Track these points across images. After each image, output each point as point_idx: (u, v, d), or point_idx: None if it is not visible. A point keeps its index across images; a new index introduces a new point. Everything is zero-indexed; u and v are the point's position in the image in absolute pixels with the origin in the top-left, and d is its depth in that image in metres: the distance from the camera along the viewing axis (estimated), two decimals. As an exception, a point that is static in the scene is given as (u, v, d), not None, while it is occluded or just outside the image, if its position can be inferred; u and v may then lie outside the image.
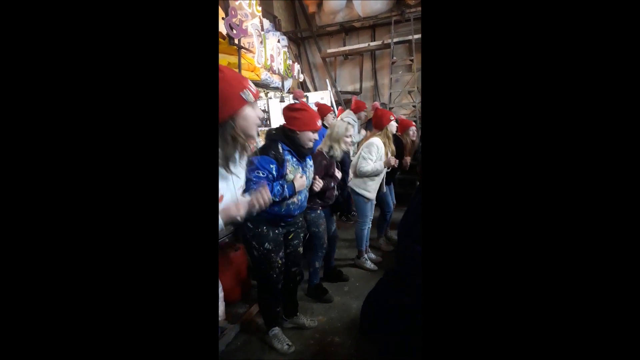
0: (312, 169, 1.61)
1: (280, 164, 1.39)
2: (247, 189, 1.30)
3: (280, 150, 1.42)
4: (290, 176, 1.42)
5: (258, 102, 0.96)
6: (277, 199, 1.37)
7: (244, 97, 0.89)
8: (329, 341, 1.67)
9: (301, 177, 1.44)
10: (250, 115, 0.92)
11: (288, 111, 1.48)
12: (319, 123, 1.47)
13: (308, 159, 1.58)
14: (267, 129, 2.68)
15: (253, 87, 0.92)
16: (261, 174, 1.33)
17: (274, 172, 1.37)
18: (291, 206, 1.47)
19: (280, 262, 1.51)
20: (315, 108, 3.30)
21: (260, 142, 1.68)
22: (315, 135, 1.48)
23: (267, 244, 1.46)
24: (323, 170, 1.81)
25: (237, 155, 0.98)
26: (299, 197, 1.50)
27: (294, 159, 1.46)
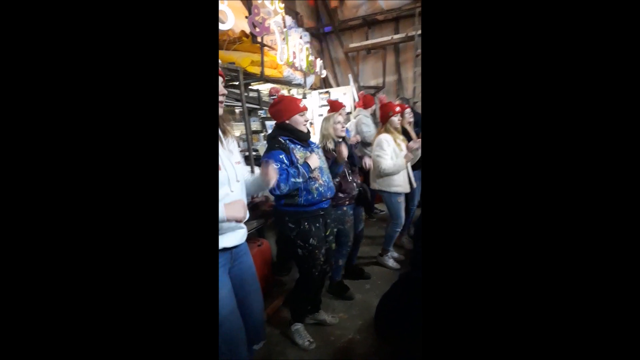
0: (321, 151, 1.64)
1: (288, 152, 1.47)
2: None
3: (283, 141, 1.49)
4: (301, 160, 1.48)
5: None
6: (299, 180, 1.42)
7: None
8: (350, 338, 1.67)
9: (310, 155, 1.49)
10: None
11: (271, 109, 1.57)
12: (302, 104, 1.54)
13: (315, 146, 1.63)
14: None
15: None
16: (276, 166, 1.40)
17: (286, 161, 1.45)
18: (320, 189, 1.51)
19: (322, 258, 1.57)
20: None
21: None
22: (305, 117, 1.54)
23: (311, 239, 1.52)
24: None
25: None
26: (323, 178, 1.54)
27: (298, 146, 1.52)
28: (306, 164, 1.45)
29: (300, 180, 1.43)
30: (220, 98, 0.96)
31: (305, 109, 1.53)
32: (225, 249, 1.01)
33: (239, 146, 2.91)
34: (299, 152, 1.50)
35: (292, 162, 1.46)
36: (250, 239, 2.11)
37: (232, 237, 1.04)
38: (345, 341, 1.65)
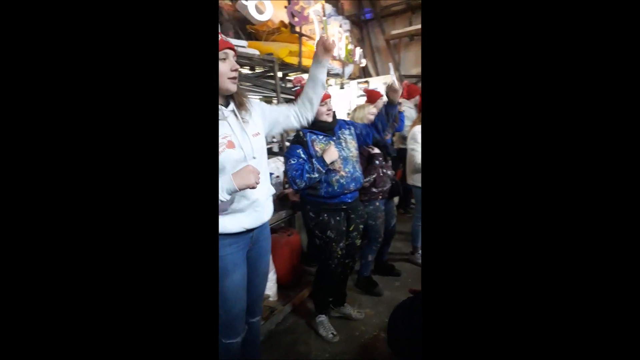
0: (349, 137, 1.58)
1: (305, 146, 1.46)
2: (289, 179, 1.43)
3: (301, 134, 1.48)
4: (320, 153, 1.45)
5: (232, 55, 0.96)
6: (315, 175, 1.40)
7: None
8: (375, 335, 1.65)
9: (328, 147, 1.44)
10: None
11: (295, 98, 1.55)
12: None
13: (342, 130, 1.57)
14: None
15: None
16: (293, 161, 1.42)
17: (303, 155, 1.44)
18: (341, 181, 1.48)
19: (340, 252, 1.56)
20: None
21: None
22: (328, 105, 1.49)
23: (329, 231, 1.52)
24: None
25: (232, 110, 1.00)
26: (346, 169, 1.50)
27: (320, 136, 1.49)
28: (320, 159, 1.41)
29: (316, 175, 1.40)
30: (234, 74, 0.95)
31: (327, 97, 1.48)
32: (247, 230, 1.02)
33: (273, 139, 2.91)
34: (319, 144, 1.47)
35: (310, 156, 1.45)
36: (280, 228, 2.16)
37: (253, 217, 1.03)
38: (370, 338, 1.63)
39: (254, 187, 0.94)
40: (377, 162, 1.87)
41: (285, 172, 1.47)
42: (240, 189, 0.92)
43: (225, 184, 0.91)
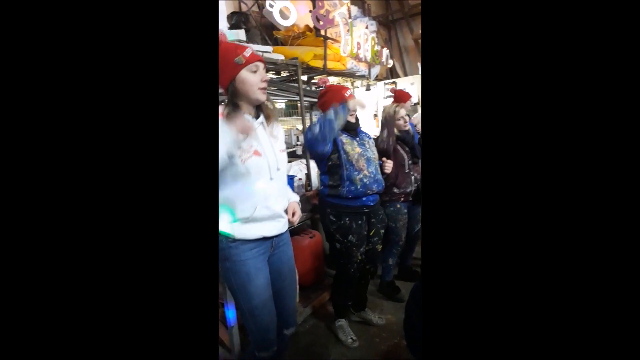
0: (371, 141, 1.61)
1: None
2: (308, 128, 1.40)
3: None
4: (347, 147, 1.47)
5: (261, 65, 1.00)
6: (333, 118, 1.28)
7: (237, 62, 0.95)
8: (396, 343, 1.60)
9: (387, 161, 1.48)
10: (248, 79, 0.97)
11: (319, 100, 1.57)
12: (348, 93, 1.48)
13: (364, 136, 1.60)
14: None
15: (248, 52, 0.97)
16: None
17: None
18: (365, 180, 1.48)
19: (360, 257, 1.54)
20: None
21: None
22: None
23: (350, 236, 1.51)
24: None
25: (261, 122, 1.04)
26: (369, 169, 1.50)
27: (345, 134, 1.52)
28: (344, 105, 1.31)
29: (334, 119, 1.27)
30: (264, 84, 0.99)
31: (350, 97, 1.48)
32: (265, 238, 1.05)
33: (297, 140, 2.96)
34: (346, 138, 1.51)
35: (337, 145, 1.46)
36: (302, 230, 2.17)
37: (272, 226, 1.06)
38: (391, 345, 1.59)
39: (247, 133, 0.91)
40: (398, 146, 1.84)
41: (305, 134, 1.41)
42: (243, 134, 0.89)
43: (226, 138, 0.85)
